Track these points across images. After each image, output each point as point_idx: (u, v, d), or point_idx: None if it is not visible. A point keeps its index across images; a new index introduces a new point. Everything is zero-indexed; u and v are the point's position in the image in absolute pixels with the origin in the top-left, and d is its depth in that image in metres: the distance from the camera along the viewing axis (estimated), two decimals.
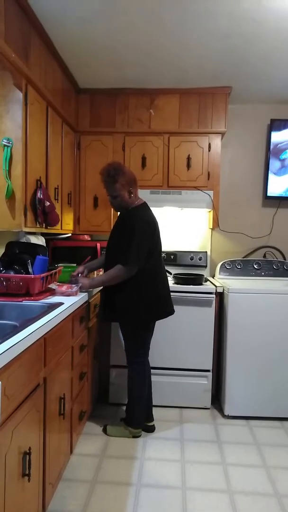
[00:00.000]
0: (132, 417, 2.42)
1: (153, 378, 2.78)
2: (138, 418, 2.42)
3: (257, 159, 3.35)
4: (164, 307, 2.39)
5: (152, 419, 2.52)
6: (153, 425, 2.51)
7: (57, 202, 2.60)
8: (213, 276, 3.32)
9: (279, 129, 3.20)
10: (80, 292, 2.22)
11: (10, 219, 2.07)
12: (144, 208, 2.33)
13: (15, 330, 1.43)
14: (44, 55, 2.32)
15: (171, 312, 2.43)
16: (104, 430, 2.47)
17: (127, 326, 2.37)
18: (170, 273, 3.02)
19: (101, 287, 2.48)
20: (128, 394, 2.44)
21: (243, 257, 3.35)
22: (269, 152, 3.24)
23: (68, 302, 1.96)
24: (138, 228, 2.20)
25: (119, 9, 2.00)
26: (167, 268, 3.11)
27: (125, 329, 2.39)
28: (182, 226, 3.38)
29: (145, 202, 2.36)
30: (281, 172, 3.24)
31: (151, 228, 2.29)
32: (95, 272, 2.71)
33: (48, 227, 2.42)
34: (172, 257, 3.26)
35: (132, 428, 2.40)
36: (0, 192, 2.04)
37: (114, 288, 2.27)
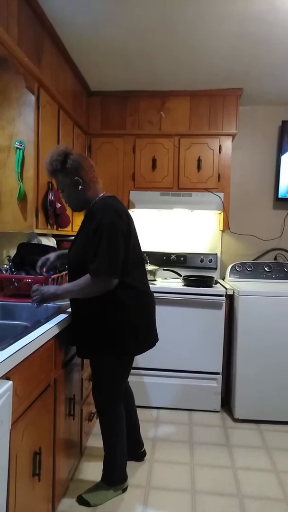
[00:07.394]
0: (115, 474, 1.90)
1: (163, 380, 2.79)
2: (123, 471, 1.93)
3: (268, 161, 3.32)
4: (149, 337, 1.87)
5: (142, 445, 2.18)
6: (144, 450, 2.18)
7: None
8: (223, 279, 3.30)
9: None
10: (40, 304, 1.73)
11: (22, 220, 2.09)
12: (113, 198, 1.79)
13: (26, 330, 1.45)
14: (56, 59, 2.34)
15: (153, 343, 1.90)
16: (82, 501, 1.83)
17: (107, 361, 1.79)
18: (180, 275, 3.02)
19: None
20: (105, 447, 1.90)
21: (253, 260, 3.33)
22: (281, 153, 3.22)
23: None
24: (107, 219, 1.63)
25: (130, 12, 2.00)
26: (177, 270, 3.13)
27: (103, 365, 1.81)
28: (192, 228, 3.37)
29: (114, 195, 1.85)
30: None
31: (125, 221, 1.71)
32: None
33: (59, 229, 2.44)
34: (182, 259, 3.26)
35: (117, 486, 1.90)
36: (12, 194, 2.07)
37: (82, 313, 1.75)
